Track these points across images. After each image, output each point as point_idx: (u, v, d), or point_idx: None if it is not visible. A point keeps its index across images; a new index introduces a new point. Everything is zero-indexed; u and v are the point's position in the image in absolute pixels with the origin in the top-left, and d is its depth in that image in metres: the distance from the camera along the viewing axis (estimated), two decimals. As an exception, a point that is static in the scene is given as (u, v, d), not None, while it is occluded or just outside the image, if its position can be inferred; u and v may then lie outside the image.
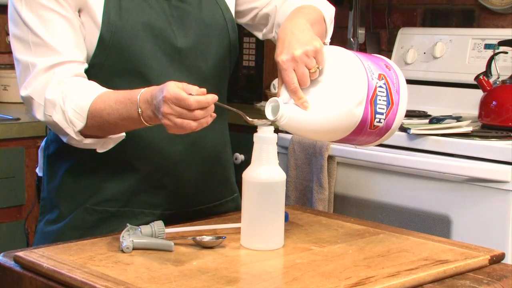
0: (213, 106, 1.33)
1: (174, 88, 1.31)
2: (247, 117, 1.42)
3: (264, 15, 1.76)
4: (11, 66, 3.15)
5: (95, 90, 1.46)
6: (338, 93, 1.39)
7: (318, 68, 1.42)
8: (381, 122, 1.42)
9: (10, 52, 3.14)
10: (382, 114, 1.41)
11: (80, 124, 1.45)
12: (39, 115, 1.49)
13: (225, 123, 1.73)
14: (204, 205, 1.67)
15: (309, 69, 1.41)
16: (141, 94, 1.38)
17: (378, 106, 1.40)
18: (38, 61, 1.48)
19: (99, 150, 1.51)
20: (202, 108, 1.31)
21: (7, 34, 3.18)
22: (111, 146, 1.51)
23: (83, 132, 1.47)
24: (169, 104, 1.31)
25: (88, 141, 1.48)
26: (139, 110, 1.38)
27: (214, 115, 1.35)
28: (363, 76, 1.39)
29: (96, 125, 1.45)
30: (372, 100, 1.39)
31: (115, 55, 1.51)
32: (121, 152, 1.55)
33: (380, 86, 1.41)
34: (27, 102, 1.51)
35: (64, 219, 1.60)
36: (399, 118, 1.45)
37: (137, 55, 1.52)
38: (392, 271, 1.29)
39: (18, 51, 1.52)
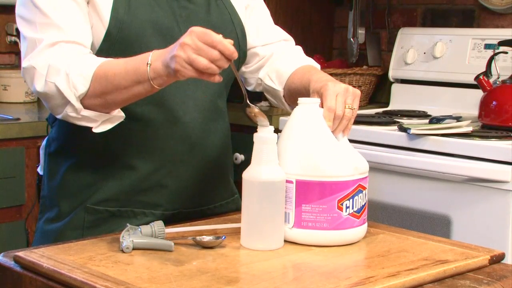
0: (227, 60, 1.32)
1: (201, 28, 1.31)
2: (248, 101, 1.44)
3: (253, 54, 1.76)
4: (11, 66, 3.15)
5: (103, 59, 1.45)
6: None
7: (353, 109, 1.47)
8: (346, 211, 1.43)
9: (10, 52, 3.17)
10: (353, 208, 1.43)
11: (82, 88, 1.41)
12: (39, 85, 1.45)
13: (227, 126, 1.72)
14: (205, 206, 1.67)
15: (346, 104, 1.46)
16: (155, 51, 1.39)
17: (355, 198, 1.44)
18: (45, 36, 1.46)
19: (96, 130, 1.47)
20: (220, 53, 1.31)
21: (7, 34, 3.18)
22: (108, 126, 1.47)
23: (84, 103, 1.44)
24: (192, 37, 1.30)
25: (86, 112, 1.44)
26: (149, 61, 1.37)
27: (220, 78, 1.34)
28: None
29: (98, 92, 1.41)
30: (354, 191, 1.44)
31: (120, 51, 1.51)
32: (122, 152, 1.55)
33: (361, 191, 1.45)
34: (28, 73, 1.47)
35: (64, 218, 1.60)
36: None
37: (143, 52, 1.52)
38: (392, 271, 1.29)
39: (26, 31, 1.50)
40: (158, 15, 1.55)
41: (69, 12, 1.49)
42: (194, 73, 1.32)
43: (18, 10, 1.53)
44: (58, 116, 1.49)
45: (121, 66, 1.40)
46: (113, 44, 1.51)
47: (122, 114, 1.48)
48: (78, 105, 1.43)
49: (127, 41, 1.51)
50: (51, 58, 1.44)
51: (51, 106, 1.48)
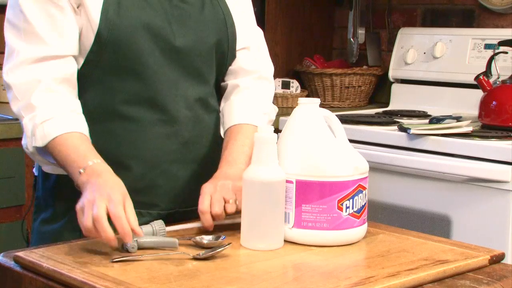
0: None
1: (118, 199, 1.35)
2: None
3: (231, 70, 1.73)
4: (11, 66, 3.14)
5: (70, 125, 1.47)
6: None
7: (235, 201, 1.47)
8: (346, 212, 1.42)
9: (10, 52, 3.16)
10: (353, 209, 1.43)
11: (40, 143, 1.46)
12: (14, 107, 1.51)
13: (219, 123, 1.71)
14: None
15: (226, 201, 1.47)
16: (91, 164, 1.41)
17: (355, 198, 1.43)
18: (24, 47, 1.49)
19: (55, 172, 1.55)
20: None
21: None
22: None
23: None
24: (98, 197, 1.34)
25: (39, 158, 1.52)
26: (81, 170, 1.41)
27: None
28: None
29: (50, 153, 1.48)
30: (354, 191, 1.43)
31: (112, 52, 1.51)
32: (116, 152, 1.55)
33: (361, 191, 1.45)
34: (7, 87, 1.52)
35: (60, 219, 1.59)
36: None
37: (134, 53, 1.52)
38: (392, 271, 1.29)
39: (9, 35, 1.53)
40: (149, 15, 1.55)
41: (53, 20, 1.50)
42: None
43: (7, 13, 1.55)
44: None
45: (64, 159, 1.45)
46: (104, 45, 1.51)
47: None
48: (32, 150, 1.50)
49: (118, 42, 1.51)
50: (34, 92, 1.48)
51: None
